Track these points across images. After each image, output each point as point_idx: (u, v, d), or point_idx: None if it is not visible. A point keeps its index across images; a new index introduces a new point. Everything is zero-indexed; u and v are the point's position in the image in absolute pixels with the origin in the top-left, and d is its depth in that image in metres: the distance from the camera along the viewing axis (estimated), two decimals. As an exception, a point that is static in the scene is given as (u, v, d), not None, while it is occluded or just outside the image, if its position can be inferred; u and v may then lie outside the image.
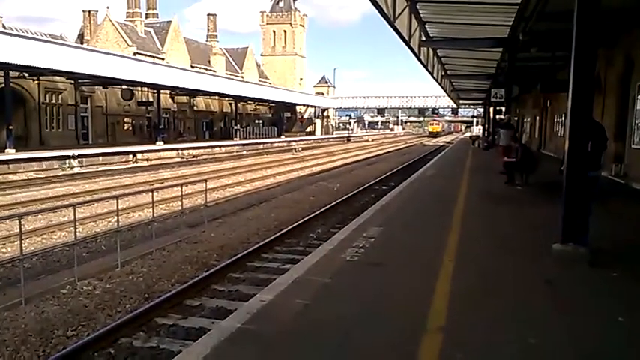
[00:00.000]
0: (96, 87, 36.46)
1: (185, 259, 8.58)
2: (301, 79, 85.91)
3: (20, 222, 7.23)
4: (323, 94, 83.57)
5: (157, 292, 6.97)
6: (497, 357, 3.60)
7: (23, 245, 7.38)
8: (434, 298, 4.63)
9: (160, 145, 33.99)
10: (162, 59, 48.96)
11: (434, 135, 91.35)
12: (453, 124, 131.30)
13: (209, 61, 60.40)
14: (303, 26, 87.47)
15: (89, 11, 51.07)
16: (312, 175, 22.91)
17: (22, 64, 23.17)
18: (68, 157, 24.30)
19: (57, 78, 31.82)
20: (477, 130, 65.39)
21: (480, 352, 3.63)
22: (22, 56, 22.52)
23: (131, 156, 28.75)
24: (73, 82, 33.23)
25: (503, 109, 24.30)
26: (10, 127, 24.77)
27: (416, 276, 5.39)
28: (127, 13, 53.34)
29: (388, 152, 43.02)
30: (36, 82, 31.05)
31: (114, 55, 33.08)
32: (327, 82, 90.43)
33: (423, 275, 5.35)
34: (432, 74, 30.83)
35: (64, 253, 8.70)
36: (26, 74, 28.32)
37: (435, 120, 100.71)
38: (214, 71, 56.24)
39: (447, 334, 3.87)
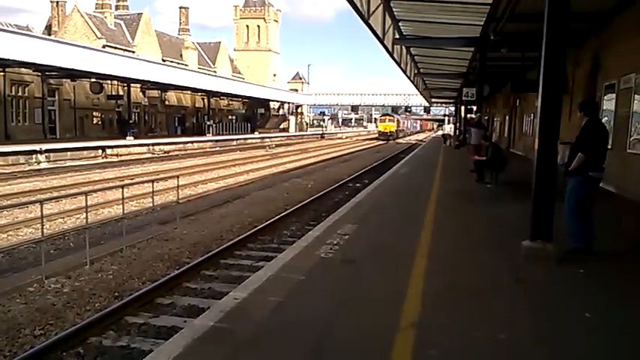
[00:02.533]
0: (64, 80, 35.54)
1: (156, 256, 8.46)
2: (275, 75, 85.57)
3: (-16, 219, 7.00)
4: (297, 90, 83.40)
5: (128, 290, 6.84)
6: (469, 352, 3.66)
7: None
8: (407, 295, 4.68)
9: (130, 140, 33.36)
10: (133, 52, 48.00)
11: (386, 136, 61.44)
12: (419, 122, 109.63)
13: (181, 55, 59.57)
14: (277, 21, 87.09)
15: (57, 1, 49.62)
16: (286, 172, 22.86)
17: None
18: (35, 152, 23.64)
19: (23, 70, 30.89)
20: (449, 128, 69.13)
21: (452, 348, 3.69)
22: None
23: (100, 151, 28.15)
24: (40, 74, 32.30)
25: (475, 108, 24.70)
26: (-27, 120, 23.93)
27: (390, 273, 5.43)
28: (97, 4, 52.05)
29: (362, 150, 43.25)
30: (1, 74, 30.04)
31: (82, 47, 32.27)
32: (301, 79, 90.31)
33: (397, 272, 5.40)
34: (405, 72, 31.13)
35: (30, 251, 8.47)
36: (-11, 66, 27.41)
37: (387, 115, 68.81)
38: (186, 65, 55.48)
39: (420, 331, 3.91)
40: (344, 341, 3.77)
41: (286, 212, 11.98)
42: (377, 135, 65.62)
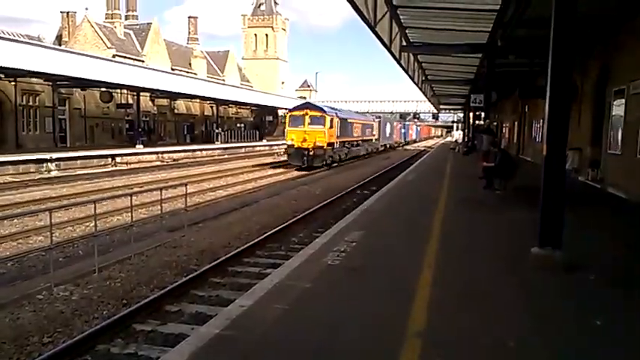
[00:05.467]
0: (74, 89, 35.91)
1: (164, 264, 8.48)
2: (283, 82, 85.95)
3: (-6, 227, 7.06)
4: (305, 98, 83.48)
5: (136, 297, 6.86)
6: (476, 361, 3.62)
7: (-3, 250, 7.21)
8: (414, 303, 4.65)
9: (139, 148, 33.59)
10: (142, 61, 48.42)
11: (301, 157, 26.95)
12: (417, 126, 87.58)
13: (190, 64, 60.03)
14: (285, 30, 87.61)
15: (68, 12, 50.27)
16: (293, 179, 22.88)
17: (-3, 65, 22.71)
18: (46, 161, 23.85)
19: (34, 80, 31.24)
20: (458, 135, 64.57)
21: (460, 357, 3.65)
22: (-3, 57, 22.06)
23: (110, 159, 28.34)
24: (50, 84, 32.65)
25: (483, 114, 24.62)
26: (-15, 130, 24.22)
27: (396, 281, 5.40)
28: (106, 14, 52.72)
29: (369, 156, 43.05)
30: (12, 83, 30.42)
31: (92, 56, 32.61)
32: (309, 86, 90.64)
33: (404, 280, 5.36)
34: (412, 79, 31.10)
35: (40, 259, 8.53)
36: (2, 75, 27.72)
37: (307, 108, 28.47)
38: (195, 74, 55.87)
39: (427, 340, 3.88)
40: (349, 350, 3.75)
41: (294, 219, 11.97)
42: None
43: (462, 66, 24.50)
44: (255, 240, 9.84)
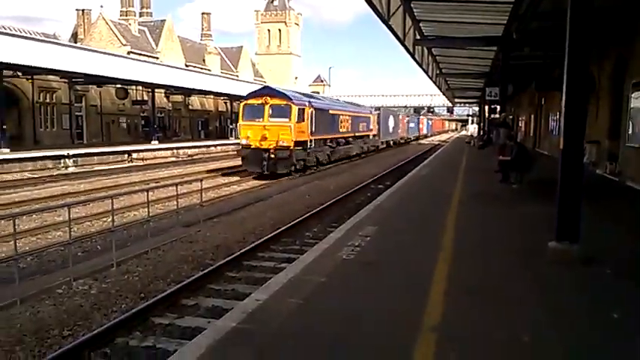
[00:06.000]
0: (90, 86, 36.30)
1: (181, 258, 8.58)
2: (296, 77, 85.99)
3: (14, 222, 7.20)
4: (318, 92, 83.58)
5: (153, 291, 6.96)
6: (492, 357, 3.62)
7: (18, 245, 7.35)
8: (429, 298, 4.65)
9: (155, 144, 33.89)
10: (157, 58, 48.79)
11: (259, 162, 20.26)
12: (429, 120, 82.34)
13: (204, 60, 60.27)
14: (297, 25, 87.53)
15: (83, 10, 50.78)
16: (307, 175, 22.89)
17: (16, 63, 23.05)
18: (63, 157, 24.19)
19: (51, 77, 31.65)
20: (473, 128, 62.92)
21: (474, 352, 3.65)
22: (16, 55, 22.40)
23: (126, 155, 28.65)
24: (67, 81, 33.06)
25: (498, 107, 24.37)
26: (4, 127, 24.62)
27: (411, 275, 5.40)
28: (121, 11, 53.17)
29: (382, 151, 42.88)
30: (30, 81, 30.85)
31: (108, 54, 32.98)
32: (322, 81, 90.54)
33: (418, 275, 5.36)
34: (426, 73, 30.89)
35: (59, 253, 8.68)
36: (20, 73, 28.14)
37: (267, 95, 20.99)
38: (209, 70, 56.11)
39: (442, 335, 3.88)
40: (364, 344, 3.76)
41: (308, 214, 12.00)
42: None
43: (476, 59, 24.28)
44: (270, 235, 9.89)
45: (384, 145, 41.39)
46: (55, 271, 7.90)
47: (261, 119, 20.58)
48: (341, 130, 28.07)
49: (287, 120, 20.43)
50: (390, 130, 44.25)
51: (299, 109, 21.00)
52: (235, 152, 28.13)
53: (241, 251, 8.67)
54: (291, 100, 20.98)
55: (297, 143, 20.93)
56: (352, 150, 30.56)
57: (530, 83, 24.36)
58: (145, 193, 10.37)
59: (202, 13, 68.32)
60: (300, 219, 11.40)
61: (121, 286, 7.20)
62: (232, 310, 4.56)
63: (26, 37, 26.33)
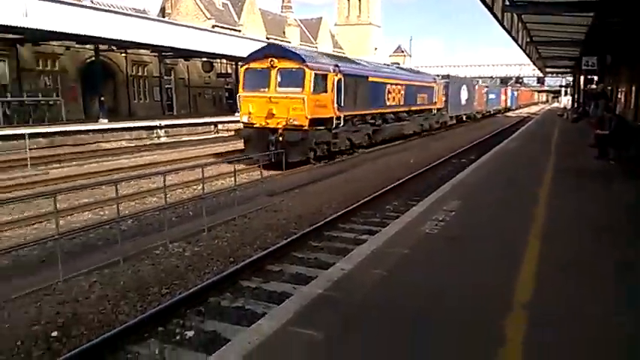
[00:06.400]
0: (178, 59, 37.94)
1: (266, 226, 8.90)
2: (376, 49, 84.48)
3: (116, 188, 7.82)
4: (399, 63, 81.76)
5: (241, 256, 7.30)
6: (585, 338, 3.47)
7: (119, 209, 7.97)
8: (519, 274, 4.52)
9: (237, 115, 34.95)
10: (239, 31, 49.82)
11: (262, 145, 15.16)
12: (514, 91, 74.68)
13: (284, 32, 60.79)
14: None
15: (171, -15, 52.73)
16: (386, 148, 22.55)
17: (110, 38, 24.48)
18: (155, 127, 25.69)
19: (142, 51, 33.36)
20: (566, 100, 58.69)
21: (569, 330, 3.52)
22: (110, 30, 23.77)
23: (213, 126, 29.87)
24: (157, 54, 34.76)
25: (596, 78, 22.58)
26: (102, 99, 26.49)
27: (500, 250, 5.26)
28: (206, -15, 54.62)
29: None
30: (123, 55, 32.78)
31: (194, 27, 34.12)
32: (402, 52, 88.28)
33: (508, 250, 5.21)
34: (516, 41, 29.06)
35: (155, 217, 9.31)
36: (114, 48, 29.92)
37: (270, 56, 15.82)
38: (289, 42, 56.52)
39: (533, 313, 3.77)
40: (450, 320, 3.75)
41: (388, 187, 11.94)
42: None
43: (571, 26, 22.44)
44: (351, 206, 9.97)
45: (454, 121, 35.31)
46: (152, 233, 8.51)
47: (266, 89, 15.71)
48: (389, 102, 22.32)
49: (299, 90, 15.30)
50: (463, 102, 37.62)
51: (316, 74, 15.53)
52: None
53: (325, 220, 8.84)
54: (305, 62, 15.42)
55: (315, 121, 15.77)
56: (406, 128, 25.06)
57: (632, 52, 22.26)
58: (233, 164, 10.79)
59: (283, -15, 68.57)
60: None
61: (212, 250, 7.62)
62: (318, 277, 4.70)
63: (118, 12, 27.79)
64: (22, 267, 6.94)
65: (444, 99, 32.07)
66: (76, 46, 27.21)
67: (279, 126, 15.32)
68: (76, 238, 8.00)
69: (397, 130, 23.54)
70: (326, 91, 16.13)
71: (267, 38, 52.57)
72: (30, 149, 16.90)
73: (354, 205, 10.00)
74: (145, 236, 8.40)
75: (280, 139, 15.19)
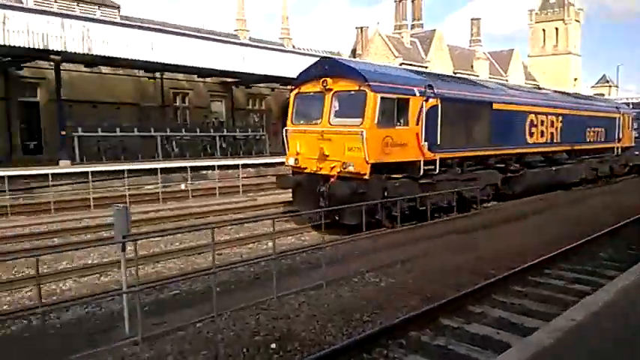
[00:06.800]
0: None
1: (459, 266, 8.60)
2: (575, 79, 77.55)
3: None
4: (603, 95, 73.62)
5: (437, 294, 7.13)
6: None
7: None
8: None
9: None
10: (426, 67, 50.34)
11: (313, 191, 11.58)
12: None
13: (472, 66, 59.61)
14: (578, 21, 78.81)
15: (361, 28, 56.04)
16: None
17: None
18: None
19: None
20: None
21: None
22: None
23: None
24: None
25: None
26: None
27: None
28: (395, 25, 56.85)
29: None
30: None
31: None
32: (607, 82, 79.45)
33: None
34: None
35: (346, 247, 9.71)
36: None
37: (337, 78, 11.66)
38: (477, 76, 55.15)
39: None
40: None
41: (598, 234, 10.61)
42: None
43: None
44: (555, 252, 9.11)
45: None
46: (348, 262, 8.89)
47: (319, 120, 11.98)
48: (532, 139, 16.49)
49: (358, 121, 11.15)
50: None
51: (385, 98, 11.16)
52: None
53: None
54: (366, 80, 11.12)
55: (386, 167, 11.46)
56: (565, 174, 18.63)
57: None
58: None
59: (472, 19, 67.47)
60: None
61: (405, 283, 7.61)
62: (542, 328, 4.37)
63: (317, 56, 30.30)
64: (241, 282, 7.85)
65: (634, 135, 25.38)
66: (280, 87, 30.46)
67: (333, 172, 11.33)
68: (287, 259, 8.76)
69: (548, 177, 17.66)
70: (407, 123, 11.72)
71: (454, 72, 52.16)
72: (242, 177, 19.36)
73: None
74: (342, 264, 8.79)
75: (328, 190, 11.16)
